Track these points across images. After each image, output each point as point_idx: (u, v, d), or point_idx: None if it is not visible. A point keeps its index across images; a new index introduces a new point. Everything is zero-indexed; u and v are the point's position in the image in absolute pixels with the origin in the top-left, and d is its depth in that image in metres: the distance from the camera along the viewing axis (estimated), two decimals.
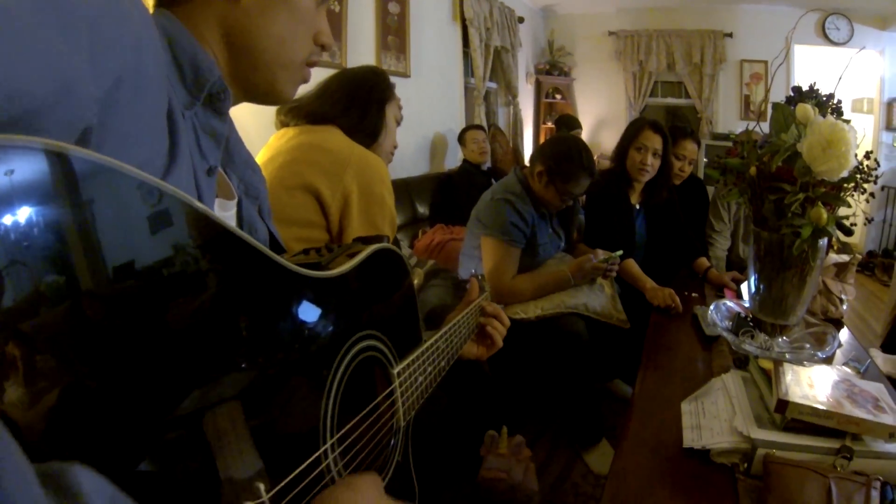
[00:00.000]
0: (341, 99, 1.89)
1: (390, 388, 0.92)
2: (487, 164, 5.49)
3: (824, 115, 1.67)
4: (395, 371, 0.93)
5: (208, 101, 0.83)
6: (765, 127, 5.93)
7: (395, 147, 2.09)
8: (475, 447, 1.71)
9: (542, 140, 8.62)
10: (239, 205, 1.00)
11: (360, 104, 1.91)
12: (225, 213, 0.95)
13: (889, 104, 7.70)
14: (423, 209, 4.96)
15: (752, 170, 1.77)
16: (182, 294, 0.49)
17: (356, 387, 0.80)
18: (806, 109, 1.65)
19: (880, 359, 2.93)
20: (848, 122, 1.71)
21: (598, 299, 2.82)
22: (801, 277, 1.76)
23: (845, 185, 1.67)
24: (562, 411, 2.92)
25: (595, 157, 7.50)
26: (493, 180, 5.30)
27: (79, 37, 0.48)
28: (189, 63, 0.80)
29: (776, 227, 1.73)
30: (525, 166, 2.95)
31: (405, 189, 4.79)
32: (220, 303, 0.53)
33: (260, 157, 1.85)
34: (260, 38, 0.89)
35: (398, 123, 2.09)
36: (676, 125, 3.75)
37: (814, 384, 1.41)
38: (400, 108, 2.10)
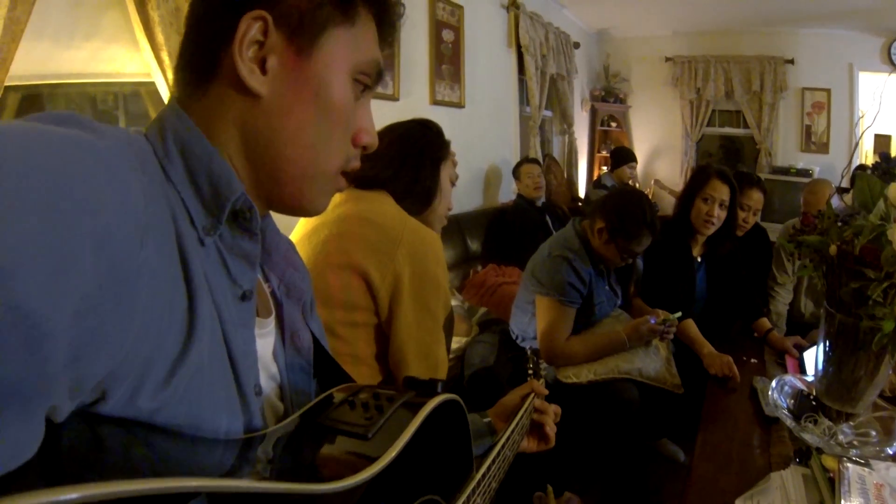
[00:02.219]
0: (392, 160, 1.75)
1: None
2: (542, 200, 5.35)
3: None
4: None
5: (233, 218, 0.72)
6: (824, 159, 5.83)
7: (450, 209, 1.95)
8: None
9: (596, 171, 8.55)
10: (279, 311, 0.89)
11: (412, 166, 1.77)
12: (262, 336, 0.82)
13: None
14: (475, 246, 4.84)
15: (833, 249, 1.64)
16: None
17: None
18: None
19: None
20: None
21: (652, 363, 2.71)
22: (876, 365, 1.61)
23: None
24: (608, 473, 2.83)
25: (652, 184, 7.49)
26: (547, 217, 5.24)
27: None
28: (205, 176, 0.70)
29: (854, 313, 1.59)
30: (584, 219, 2.85)
31: (457, 225, 4.67)
32: None
33: (303, 225, 1.75)
34: (284, 146, 0.76)
35: (453, 184, 1.94)
36: (741, 172, 3.60)
37: (880, 493, 1.33)
38: (455, 164, 1.95)
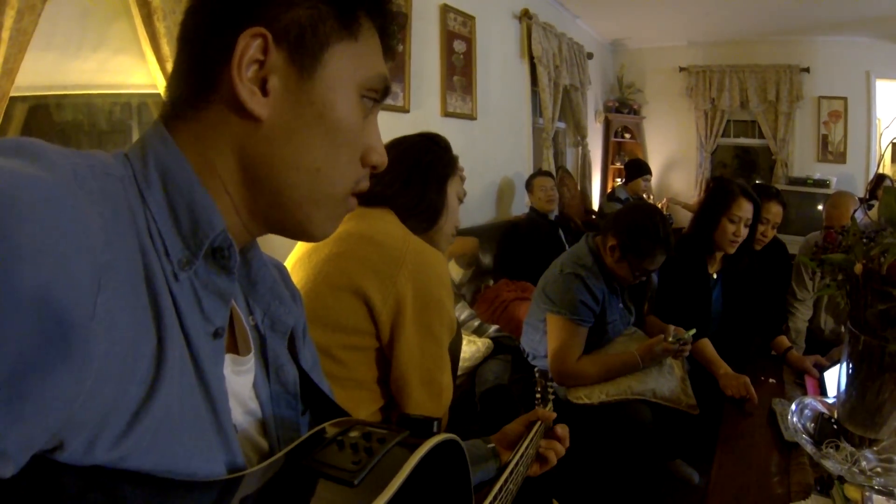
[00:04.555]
0: (397, 176, 1.69)
1: None
2: (555, 213, 5.31)
3: None
4: None
5: (210, 255, 0.67)
6: (841, 169, 5.81)
7: (458, 227, 1.89)
8: None
9: (610, 183, 8.52)
10: (263, 345, 0.84)
11: (418, 182, 1.71)
12: (239, 373, 0.78)
13: None
14: (487, 260, 4.79)
15: (858, 267, 1.57)
16: None
17: None
18: None
19: None
20: None
21: (667, 383, 2.66)
22: None
23: None
24: (619, 496, 2.78)
25: (664, 200, 7.47)
26: (560, 230, 5.21)
27: None
28: (186, 208, 0.66)
29: (880, 336, 1.52)
30: (597, 235, 2.80)
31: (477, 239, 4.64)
32: None
33: (303, 244, 1.69)
34: (287, 172, 0.72)
35: (461, 201, 1.88)
36: (760, 184, 3.57)
37: None
38: (463, 181, 1.89)
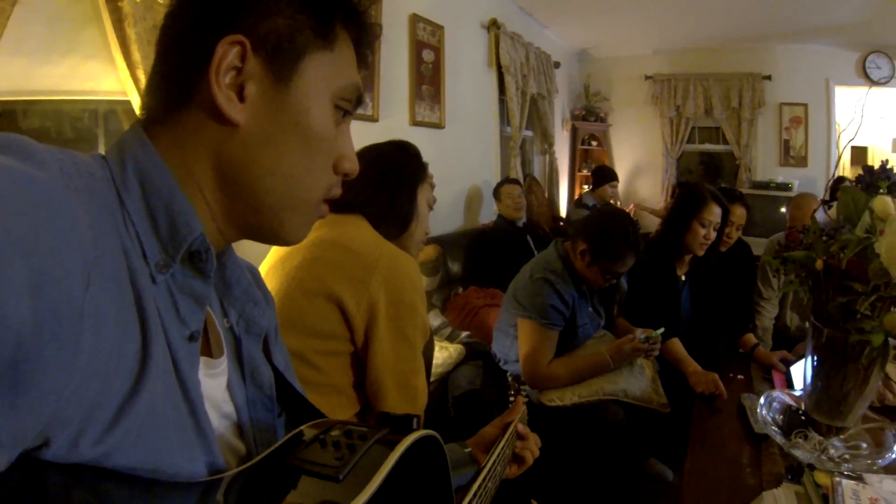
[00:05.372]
0: (369, 183, 1.71)
1: None
2: (523, 220, 5.35)
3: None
4: None
5: (187, 258, 0.68)
6: (802, 172, 5.96)
7: (428, 234, 1.92)
8: None
9: (577, 190, 8.59)
10: (238, 348, 0.84)
11: (389, 189, 1.74)
12: (212, 376, 0.77)
13: None
14: (455, 268, 4.80)
15: (819, 263, 1.61)
16: None
17: None
18: (886, 204, 1.49)
19: None
20: None
21: (637, 383, 2.69)
22: (865, 378, 1.60)
23: None
24: (595, 496, 2.80)
25: (631, 207, 7.55)
26: (528, 237, 5.25)
27: None
28: (164, 212, 0.66)
29: (842, 328, 1.57)
30: (567, 240, 2.83)
31: (438, 247, 4.62)
32: None
33: (276, 250, 1.71)
34: (263, 177, 0.73)
35: (431, 208, 1.90)
36: (724, 188, 3.64)
37: None
38: (433, 187, 1.92)
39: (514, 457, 1.43)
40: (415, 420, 0.76)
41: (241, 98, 0.69)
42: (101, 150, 0.73)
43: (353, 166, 0.82)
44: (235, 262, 0.87)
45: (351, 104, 0.80)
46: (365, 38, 0.82)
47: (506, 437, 1.33)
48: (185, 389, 0.65)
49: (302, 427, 0.74)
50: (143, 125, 0.72)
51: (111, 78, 2.57)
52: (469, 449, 1.40)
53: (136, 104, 2.51)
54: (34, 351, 0.43)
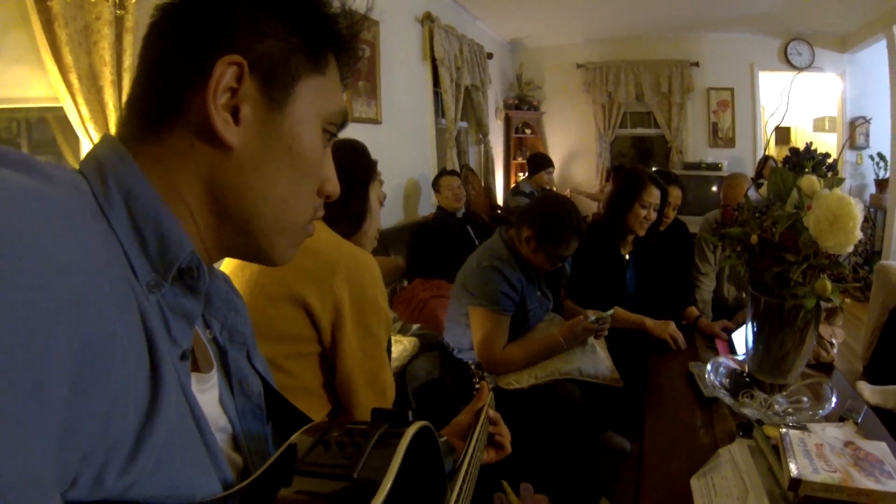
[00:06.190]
0: None
1: None
2: (462, 211, 5.38)
3: (820, 174, 1.68)
4: None
5: (178, 277, 0.65)
6: (731, 153, 6.20)
7: (379, 230, 1.94)
8: None
9: (513, 178, 8.68)
10: (224, 358, 0.83)
11: (343, 189, 1.73)
12: (204, 391, 0.75)
13: (851, 123, 7.92)
14: (399, 262, 4.74)
15: (754, 238, 1.73)
16: None
17: None
18: (812, 181, 1.62)
19: (867, 391, 2.94)
20: (842, 180, 1.73)
21: (591, 362, 2.76)
22: (801, 339, 1.73)
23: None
24: (558, 472, 2.85)
25: (568, 191, 7.66)
26: (468, 227, 5.29)
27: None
28: (152, 230, 0.63)
29: (778, 295, 1.70)
30: (510, 228, 2.89)
31: (380, 242, 4.51)
32: None
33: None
34: (255, 202, 0.71)
35: (381, 204, 1.92)
36: (661, 171, 3.77)
37: (821, 452, 1.43)
38: (381, 183, 1.93)
39: (491, 442, 1.44)
40: (409, 413, 0.76)
41: (236, 121, 0.68)
42: None
43: (335, 189, 0.83)
44: (214, 271, 0.83)
45: (337, 128, 0.80)
46: (351, 62, 0.82)
47: (480, 422, 1.34)
48: (191, 408, 0.64)
49: (297, 433, 0.73)
50: (121, 141, 0.68)
51: (41, 83, 2.44)
52: (444, 438, 1.39)
53: (70, 111, 2.41)
54: (81, 380, 0.42)
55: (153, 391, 0.53)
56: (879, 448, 1.47)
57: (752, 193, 2.00)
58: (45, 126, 2.68)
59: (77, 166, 0.65)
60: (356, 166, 1.80)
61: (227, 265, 1.66)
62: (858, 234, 1.56)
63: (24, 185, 0.45)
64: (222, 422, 0.79)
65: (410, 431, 0.71)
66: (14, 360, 0.37)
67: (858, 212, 1.54)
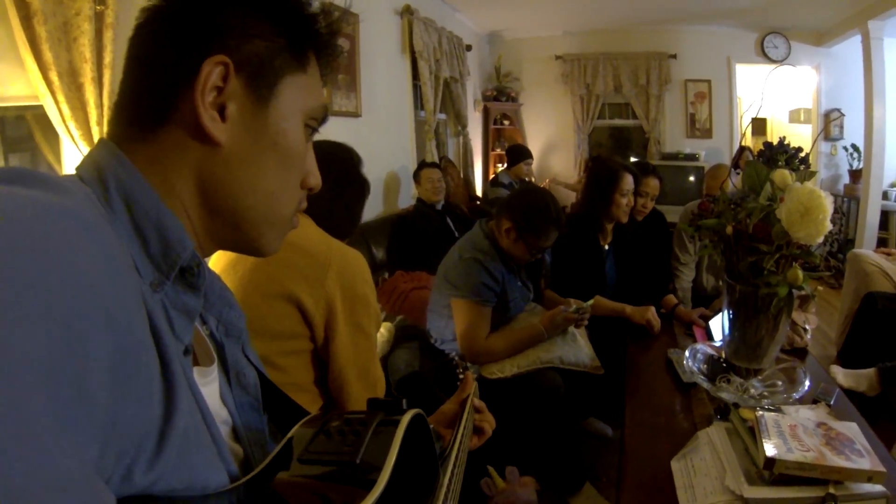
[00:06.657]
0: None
1: None
2: (442, 202, 5.40)
3: (792, 168, 1.74)
4: None
5: (179, 275, 0.68)
6: (708, 143, 6.28)
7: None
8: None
9: (492, 169, 8.70)
10: (221, 352, 0.86)
11: (332, 188, 1.72)
12: (205, 385, 0.77)
13: (826, 115, 8.03)
14: (380, 254, 4.82)
15: (729, 229, 1.79)
16: None
17: None
18: (784, 175, 1.67)
19: (840, 375, 3.02)
20: (815, 173, 1.79)
21: (572, 350, 2.81)
22: (775, 325, 1.79)
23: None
24: (542, 460, 2.90)
25: (546, 182, 7.69)
26: (448, 218, 5.31)
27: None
28: (154, 230, 0.66)
29: (752, 283, 1.75)
30: (490, 220, 2.92)
31: (361, 235, 4.64)
32: None
33: (222, 254, 1.70)
34: (244, 195, 0.74)
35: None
36: (639, 162, 3.84)
37: (794, 432, 1.48)
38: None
39: (475, 429, 1.45)
40: (404, 401, 0.79)
41: (223, 118, 0.70)
42: None
43: (317, 181, 0.86)
44: (207, 266, 0.82)
45: (318, 122, 0.83)
46: (331, 60, 0.85)
47: (466, 410, 1.36)
48: (198, 402, 0.66)
49: (298, 425, 0.76)
50: (115, 142, 0.70)
51: (19, 82, 2.39)
52: (432, 426, 1.45)
53: (50, 108, 2.34)
54: (120, 382, 0.45)
55: (168, 388, 0.55)
56: (850, 428, 1.53)
57: (733, 178, 2.06)
58: (21, 123, 2.61)
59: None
60: (347, 167, 1.89)
61: (218, 264, 1.68)
62: (829, 226, 1.61)
63: (48, 202, 0.47)
64: (223, 414, 0.81)
65: (406, 418, 0.74)
66: (64, 369, 0.40)
67: (828, 204, 1.59)
